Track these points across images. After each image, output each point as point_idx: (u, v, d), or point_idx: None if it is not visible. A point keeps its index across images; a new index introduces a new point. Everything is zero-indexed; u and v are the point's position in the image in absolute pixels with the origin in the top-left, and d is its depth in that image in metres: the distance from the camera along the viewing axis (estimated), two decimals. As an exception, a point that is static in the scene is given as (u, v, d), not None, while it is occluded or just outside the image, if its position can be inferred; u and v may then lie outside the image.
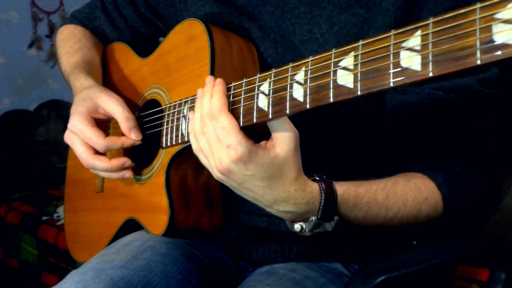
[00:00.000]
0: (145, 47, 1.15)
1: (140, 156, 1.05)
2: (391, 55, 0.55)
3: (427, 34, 0.52)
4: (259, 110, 0.71)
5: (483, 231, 1.05)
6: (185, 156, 0.91)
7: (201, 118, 0.75)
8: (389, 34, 0.56)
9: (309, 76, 0.65)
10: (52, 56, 3.31)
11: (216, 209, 0.97)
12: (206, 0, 1.00)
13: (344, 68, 0.60)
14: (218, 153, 0.73)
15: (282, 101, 0.68)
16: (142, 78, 1.08)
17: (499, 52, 0.46)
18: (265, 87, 0.71)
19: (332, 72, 0.62)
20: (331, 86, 0.62)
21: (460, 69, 0.49)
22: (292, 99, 0.67)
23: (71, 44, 1.17)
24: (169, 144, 0.92)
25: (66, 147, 1.10)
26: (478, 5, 0.47)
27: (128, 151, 1.06)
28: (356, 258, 0.97)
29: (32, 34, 3.32)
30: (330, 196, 0.76)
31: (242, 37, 0.94)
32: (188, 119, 0.83)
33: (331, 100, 0.62)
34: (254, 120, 0.72)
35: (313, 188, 0.76)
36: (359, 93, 0.59)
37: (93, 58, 1.15)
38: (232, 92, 0.76)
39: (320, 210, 0.76)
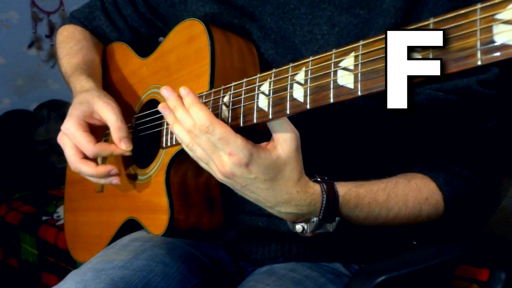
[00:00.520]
0: (145, 47, 1.15)
1: (140, 156, 1.05)
2: (392, 55, 0.56)
3: (427, 34, 0.52)
4: (259, 110, 0.71)
5: (483, 231, 1.05)
6: (185, 156, 0.90)
7: (188, 132, 0.74)
8: (389, 34, 0.56)
9: (309, 76, 0.65)
10: (52, 56, 3.31)
11: (216, 209, 0.97)
12: (206, 0, 1.00)
13: (345, 69, 0.60)
14: (219, 159, 0.73)
15: (282, 101, 0.68)
16: (142, 78, 1.08)
17: (499, 53, 0.46)
18: (265, 87, 0.71)
19: (332, 73, 0.62)
20: (332, 87, 0.62)
21: (461, 70, 0.49)
22: (293, 99, 0.67)
23: (71, 45, 1.17)
24: (169, 144, 0.92)
25: (65, 149, 1.10)
26: (479, 6, 0.47)
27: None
28: (356, 258, 0.97)
29: (32, 34, 3.32)
30: (331, 197, 0.76)
31: (243, 38, 0.94)
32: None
33: (331, 100, 0.62)
34: (254, 121, 0.72)
35: (315, 189, 0.76)
36: (359, 93, 0.59)
37: (93, 59, 1.15)
38: (232, 92, 0.76)
39: (321, 211, 0.76)
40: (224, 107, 0.76)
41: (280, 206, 0.76)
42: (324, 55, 0.64)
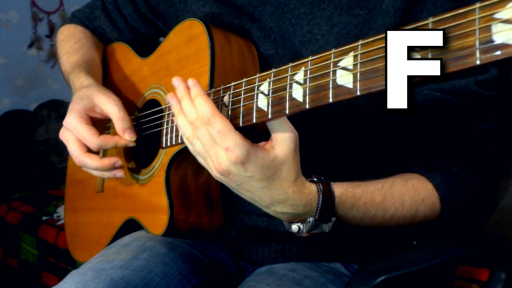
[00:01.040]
0: (145, 47, 1.15)
1: (140, 156, 1.05)
2: (391, 55, 0.55)
3: (427, 34, 0.52)
4: (259, 110, 0.71)
5: (483, 231, 1.05)
6: (185, 156, 0.91)
7: (191, 124, 0.75)
8: (388, 34, 0.56)
9: (308, 76, 0.65)
10: (52, 56, 3.31)
11: (216, 209, 0.97)
12: (207, 0, 1.00)
13: (344, 68, 0.60)
14: (216, 155, 0.73)
15: (282, 101, 0.68)
16: (142, 78, 1.08)
17: (498, 52, 0.46)
18: (264, 87, 0.71)
19: (331, 72, 0.62)
20: (331, 86, 0.62)
21: (459, 69, 0.49)
22: (292, 99, 0.67)
23: (72, 43, 1.17)
24: (169, 144, 0.92)
25: (66, 147, 1.10)
26: (478, 5, 0.47)
27: (128, 151, 1.06)
28: (356, 258, 0.97)
29: (32, 34, 3.32)
30: (327, 197, 0.76)
31: (242, 37, 0.94)
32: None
33: (331, 100, 0.62)
34: (254, 120, 0.72)
35: (311, 189, 0.76)
36: (358, 93, 0.59)
37: (93, 57, 1.15)
38: (231, 92, 0.76)
39: (317, 211, 0.76)
40: (223, 107, 0.76)
41: (275, 206, 0.76)
42: (323, 54, 0.64)
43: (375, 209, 0.81)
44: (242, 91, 0.74)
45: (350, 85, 0.59)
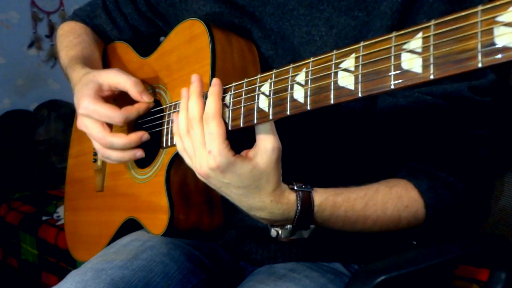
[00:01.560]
0: (145, 46, 1.15)
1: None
2: (392, 57, 0.55)
3: (429, 36, 0.52)
4: (260, 111, 0.71)
5: (483, 231, 1.05)
6: (186, 157, 0.91)
7: (188, 120, 0.76)
8: (390, 36, 0.56)
9: (310, 77, 0.65)
10: (52, 56, 3.31)
11: (216, 209, 0.97)
12: (207, -1, 1.00)
13: (345, 70, 0.60)
14: (200, 157, 0.75)
15: (283, 102, 0.68)
16: (142, 77, 1.08)
17: (500, 55, 0.46)
18: (266, 87, 0.71)
19: (333, 74, 0.62)
20: (332, 88, 0.62)
21: (461, 72, 0.49)
22: (293, 100, 0.67)
23: (71, 38, 1.17)
24: (169, 144, 0.92)
25: (66, 147, 1.10)
26: (480, 8, 0.47)
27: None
28: (356, 258, 0.97)
29: (32, 34, 3.32)
30: (306, 207, 0.77)
31: (243, 37, 0.94)
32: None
33: (332, 101, 0.62)
34: (255, 121, 0.72)
35: (290, 199, 0.77)
36: (359, 95, 0.59)
37: (92, 52, 1.15)
38: (232, 92, 0.76)
39: (295, 219, 0.78)
40: (224, 107, 0.77)
41: (254, 211, 0.78)
42: (324, 56, 0.64)
43: (356, 217, 0.81)
44: (243, 92, 0.74)
45: (352, 87, 0.59)
